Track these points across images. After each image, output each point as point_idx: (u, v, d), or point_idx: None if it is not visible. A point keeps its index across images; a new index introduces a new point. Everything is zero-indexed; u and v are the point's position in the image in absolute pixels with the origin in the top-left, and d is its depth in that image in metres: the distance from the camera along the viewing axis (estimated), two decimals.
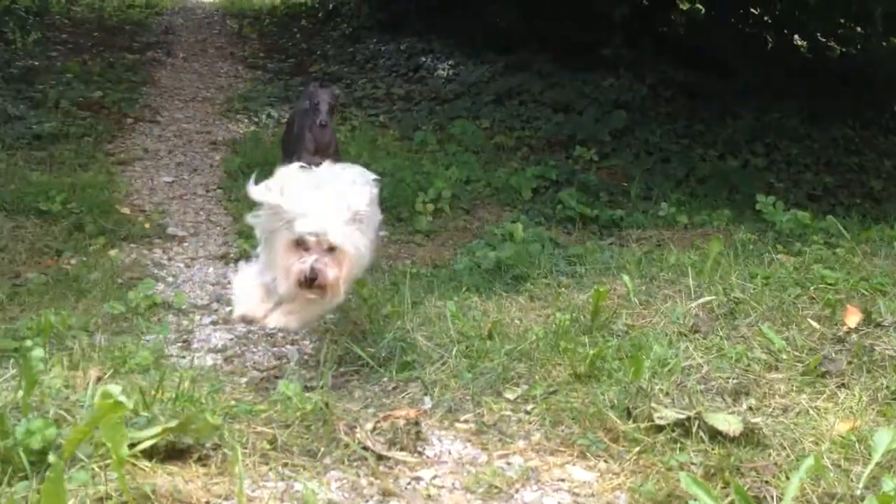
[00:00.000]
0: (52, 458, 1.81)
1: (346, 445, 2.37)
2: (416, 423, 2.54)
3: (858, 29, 11.04)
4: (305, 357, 3.35)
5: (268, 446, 2.27)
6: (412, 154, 7.31)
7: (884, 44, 10.61)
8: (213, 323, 3.82)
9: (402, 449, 2.44)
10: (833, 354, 2.87)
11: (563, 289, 3.94)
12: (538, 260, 4.64)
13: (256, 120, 8.22)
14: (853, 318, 3.13)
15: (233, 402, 2.51)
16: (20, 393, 2.27)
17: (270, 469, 2.20)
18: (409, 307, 3.50)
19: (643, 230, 5.71)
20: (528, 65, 10.12)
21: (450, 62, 10.53)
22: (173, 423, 2.12)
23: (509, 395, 2.79)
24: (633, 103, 9.08)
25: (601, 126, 8.32)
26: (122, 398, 1.91)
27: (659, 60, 9.96)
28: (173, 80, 9.66)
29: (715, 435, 2.38)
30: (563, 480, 2.29)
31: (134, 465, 2.01)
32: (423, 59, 10.68)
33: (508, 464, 2.39)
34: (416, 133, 7.91)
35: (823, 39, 11.46)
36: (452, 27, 11.20)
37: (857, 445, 2.33)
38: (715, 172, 7.36)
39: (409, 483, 2.29)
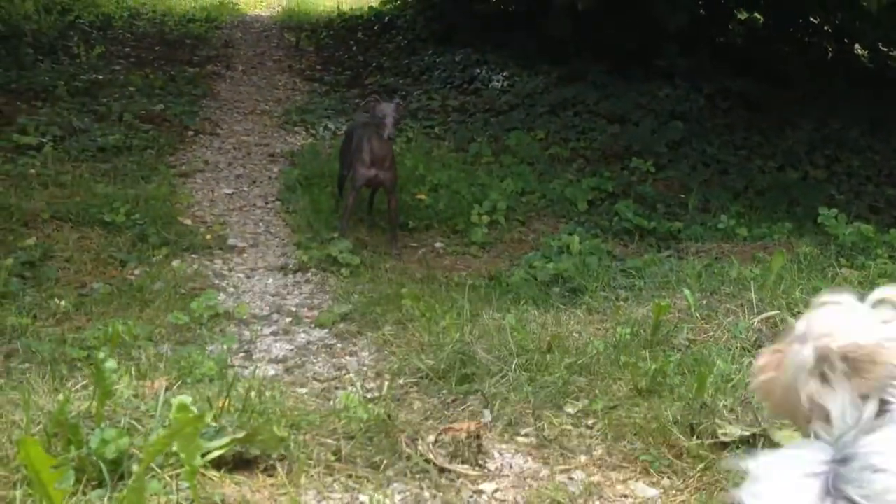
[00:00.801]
0: (134, 468, 1.86)
1: (409, 458, 2.39)
2: (478, 437, 2.56)
3: None
4: (364, 368, 3.37)
5: (332, 458, 2.31)
6: (467, 166, 7.33)
7: None
8: (274, 333, 3.87)
9: (463, 462, 2.46)
10: None
11: (621, 302, 3.92)
12: (595, 272, 4.62)
13: (314, 132, 8.31)
14: None
15: (296, 413, 2.55)
16: (91, 402, 2.33)
17: (335, 481, 2.23)
18: (468, 319, 3.51)
19: (702, 243, 5.64)
20: (582, 75, 10.08)
21: (504, 73, 10.54)
22: (241, 434, 2.17)
23: (570, 410, 2.79)
24: (689, 114, 8.98)
25: (657, 137, 8.25)
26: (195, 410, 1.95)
27: (716, 70, 9.84)
28: (232, 92, 9.82)
29: None
30: (626, 496, 2.28)
31: (203, 474, 2.05)
32: (478, 70, 10.71)
33: (570, 479, 2.40)
34: (472, 145, 7.93)
35: (885, 49, 11.23)
36: (506, 38, 11.21)
37: None
38: (774, 184, 7.24)
39: (471, 496, 2.31)
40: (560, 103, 9.42)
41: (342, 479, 2.23)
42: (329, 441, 2.39)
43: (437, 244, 5.72)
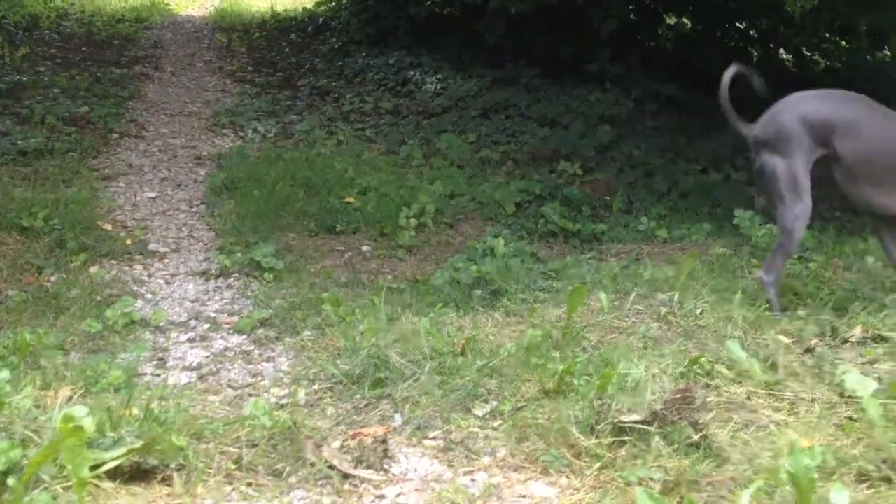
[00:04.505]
0: (11, 480, 1.84)
1: (313, 464, 2.40)
2: (384, 441, 2.58)
3: (843, 43, 11.12)
4: (281, 374, 3.37)
5: (232, 466, 2.30)
6: (398, 168, 7.35)
7: (868, 58, 10.69)
8: (191, 340, 3.84)
9: (368, 467, 2.47)
10: (796, 368, 2.91)
11: (538, 304, 3.97)
12: (517, 275, 4.67)
13: (242, 134, 8.25)
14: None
15: (200, 422, 2.54)
16: None
17: (234, 489, 2.23)
18: (385, 323, 3.53)
19: (623, 244, 5.74)
20: (515, 79, 10.18)
21: (438, 76, 10.59)
22: (138, 444, 2.15)
23: (478, 412, 2.82)
24: (619, 118, 9.12)
25: (586, 140, 8.36)
26: (86, 420, 1.94)
27: (646, 75, 10.02)
28: (160, 94, 9.70)
29: (676, 449, 2.42)
30: (524, 497, 2.32)
31: (97, 486, 2.04)
32: (412, 73, 10.74)
33: (473, 480, 2.43)
34: (403, 147, 7.96)
35: (808, 53, 11.55)
36: (441, 42, 11.27)
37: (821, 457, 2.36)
38: (697, 186, 7.40)
39: (373, 501, 2.32)
40: (492, 106, 9.50)
41: (241, 488, 2.23)
42: (231, 449, 2.39)
43: (365, 247, 5.72)
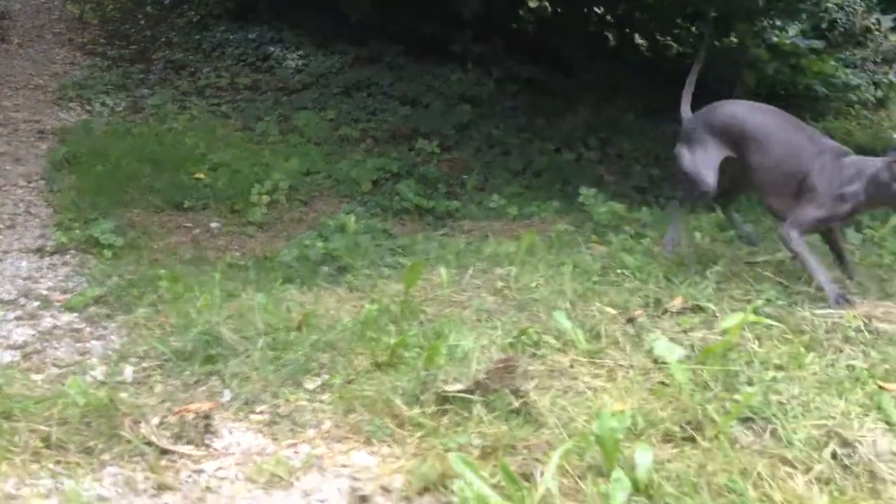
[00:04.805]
0: None
1: (129, 441, 2.34)
2: (206, 417, 2.54)
3: (693, 29, 11.59)
4: (109, 352, 3.27)
5: (41, 444, 2.22)
6: (252, 145, 7.23)
7: (716, 43, 11.16)
8: (18, 318, 3.68)
9: (188, 443, 2.44)
10: (618, 337, 3.03)
11: (383, 280, 3.99)
12: (365, 251, 4.68)
13: (90, 108, 7.93)
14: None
15: (11, 400, 2.44)
16: None
17: (42, 467, 2.16)
18: (219, 300, 3.47)
19: (475, 221, 5.84)
20: (378, 57, 10.15)
21: (300, 52, 10.43)
22: None
23: (309, 386, 2.82)
24: (479, 98, 9.25)
25: (446, 119, 8.44)
26: None
27: (507, 56, 10.17)
28: (5, 67, 9.19)
29: (497, 416, 2.49)
30: (345, 466, 2.34)
31: None
32: (273, 48, 10.54)
33: (296, 452, 2.42)
34: (259, 124, 7.82)
35: (661, 38, 11.98)
36: (303, 17, 11.09)
37: (631, 420, 2.47)
38: (551, 165, 7.58)
39: (189, 476, 2.29)
40: (354, 84, 9.45)
41: (50, 466, 2.15)
42: (42, 427, 2.31)
43: (213, 224, 5.62)
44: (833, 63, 11.96)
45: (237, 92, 9.08)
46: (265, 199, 5.94)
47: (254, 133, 7.58)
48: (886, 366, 2.87)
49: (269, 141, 7.40)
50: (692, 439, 2.45)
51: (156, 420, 2.47)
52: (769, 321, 2.99)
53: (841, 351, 2.92)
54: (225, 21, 11.45)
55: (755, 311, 3.00)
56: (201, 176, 6.21)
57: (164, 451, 2.36)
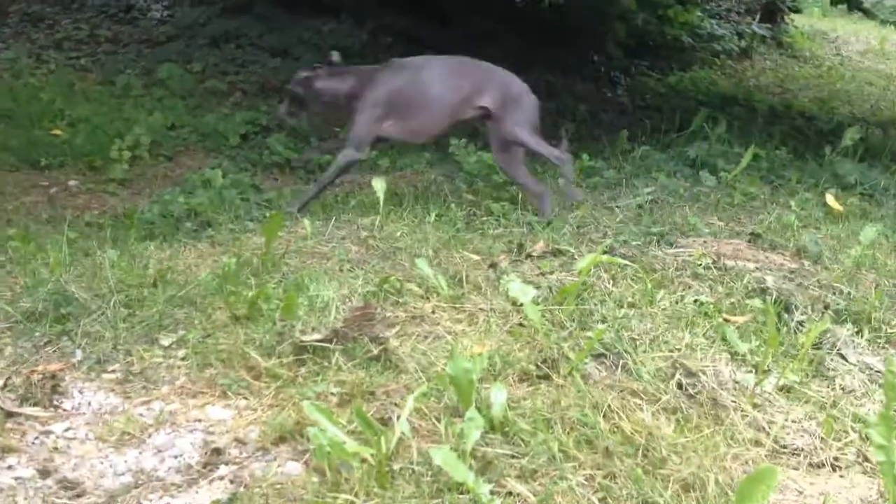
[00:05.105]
0: None
1: None
2: (53, 377, 2.45)
3: None
4: None
5: None
6: (114, 99, 6.93)
7: None
8: None
9: (35, 404, 2.35)
10: (480, 283, 3.07)
11: (247, 234, 3.91)
12: (231, 206, 4.57)
13: None
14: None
15: None
16: None
17: None
18: (70, 258, 3.34)
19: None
20: (248, 7, 9.82)
21: (164, 3, 10.01)
22: None
23: (164, 342, 2.74)
24: (352, 49, 9.08)
25: None
26: None
27: (381, 7, 10.02)
28: None
29: (356, 364, 2.49)
30: (199, 420, 2.30)
31: None
32: None
33: (149, 409, 2.37)
34: (120, 77, 7.49)
35: None
36: None
37: (488, 361, 2.51)
38: None
39: (36, 438, 2.21)
40: (222, 35, 9.13)
41: None
42: None
43: (72, 182, 5.38)
44: (699, 14, 12.30)
45: (98, 45, 8.67)
46: (126, 154, 5.71)
47: (115, 87, 7.26)
48: (732, 300, 3.01)
49: (132, 95, 7.10)
50: (547, 377, 2.51)
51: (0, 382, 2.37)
52: (623, 261, 3.08)
53: (690, 287, 3.05)
54: None
55: (605, 252, 3.08)
56: (59, 132, 5.92)
57: (9, 414, 2.27)
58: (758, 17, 13.68)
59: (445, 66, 4.30)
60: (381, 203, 3.74)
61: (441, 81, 4.18)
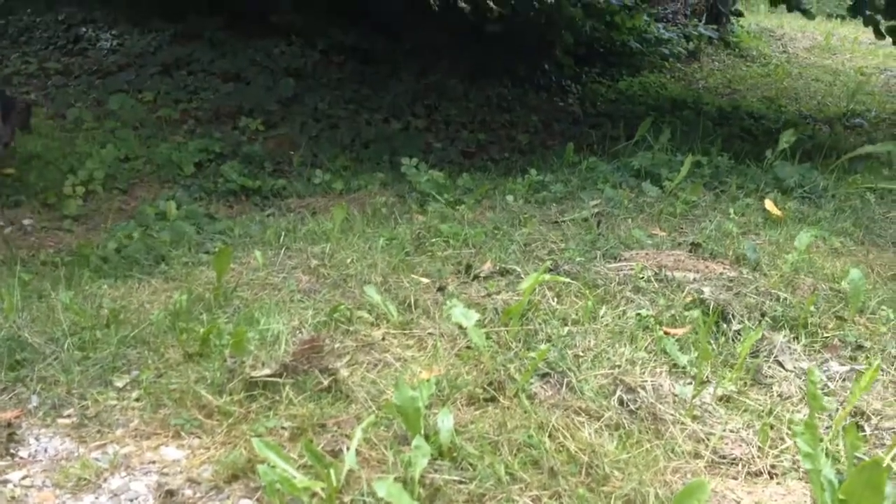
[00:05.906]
0: None
1: None
2: (9, 425, 2.49)
3: None
4: None
5: None
6: (65, 133, 6.93)
7: (535, 4, 11.43)
8: None
9: None
10: (429, 307, 3.14)
11: (200, 267, 3.96)
12: (186, 238, 4.61)
13: None
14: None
15: None
16: None
17: None
18: (21, 303, 3.36)
19: (303, 199, 5.83)
20: (198, 33, 9.86)
21: (113, 31, 10.01)
22: None
23: (118, 384, 2.78)
24: (304, 70, 9.15)
25: (270, 94, 8.33)
26: None
27: (331, 25, 10.09)
28: None
29: (306, 396, 2.55)
30: (153, 462, 2.34)
31: None
32: (84, 29, 10.05)
33: (104, 453, 2.41)
34: (71, 110, 7.48)
35: (483, 1, 12.15)
36: None
37: (436, 386, 2.58)
38: (379, 136, 7.63)
39: None
40: (173, 62, 9.16)
41: None
42: None
43: (26, 221, 5.38)
44: (646, 18, 12.50)
45: (48, 78, 8.65)
46: (80, 189, 5.72)
47: (66, 120, 7.26)
48: (672, 312, 3.11)
49: (84, 128, 7.10)
50: (494, 399, 2.59)
51: None
52: (566, 279, 3.17)
53: (632, 301, 3.14)
54: (31, 3, 10.82)
55: (548, 270, 3.17)
56: (10, 171, 5.91)
57: None
58: (704, 18, 13.90)
59: None
60: (335, 229, 3.81)
61: None
